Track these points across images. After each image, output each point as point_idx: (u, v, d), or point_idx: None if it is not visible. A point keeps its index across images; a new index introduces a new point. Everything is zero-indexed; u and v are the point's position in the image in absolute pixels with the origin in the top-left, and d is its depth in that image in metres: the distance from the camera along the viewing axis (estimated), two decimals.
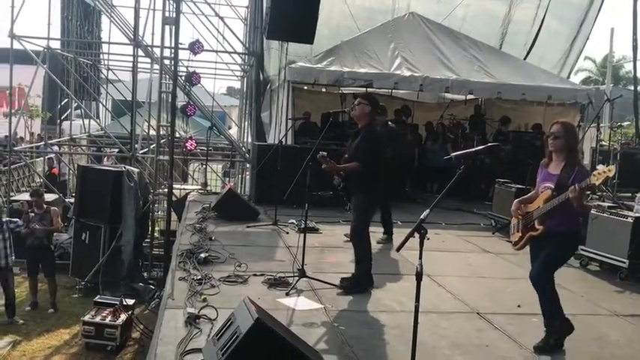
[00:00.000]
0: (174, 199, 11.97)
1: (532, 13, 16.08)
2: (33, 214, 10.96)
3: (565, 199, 4.61)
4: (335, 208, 10.13)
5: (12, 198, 14.11)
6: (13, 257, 10.32)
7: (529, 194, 5.19)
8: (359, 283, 6.32)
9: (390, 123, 9.84)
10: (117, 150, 18.14)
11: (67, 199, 15.25)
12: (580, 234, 5.06)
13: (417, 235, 3.77)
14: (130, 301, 9.67)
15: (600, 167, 4.42)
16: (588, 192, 5.13)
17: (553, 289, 5.00)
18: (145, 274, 12.35)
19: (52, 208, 11.40)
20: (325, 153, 6.29)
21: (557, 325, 4.93)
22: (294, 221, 9.45)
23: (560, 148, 4.89)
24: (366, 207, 6.45)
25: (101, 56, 20.85)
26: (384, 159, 6.57)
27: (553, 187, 4.81)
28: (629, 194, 11.19)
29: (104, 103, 21.33)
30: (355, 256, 6.43)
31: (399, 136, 10.19)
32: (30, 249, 10.90)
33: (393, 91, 14.85)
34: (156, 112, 13.70)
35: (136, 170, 12.35)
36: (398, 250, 3.97)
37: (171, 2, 12.70)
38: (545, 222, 4.84)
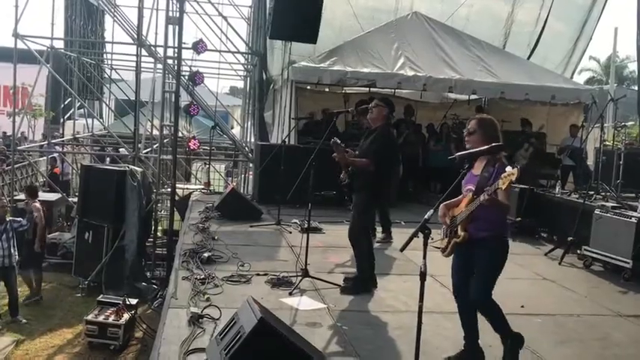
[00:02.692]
0: (177, 198, 11.97)
1: (535, 14, 16.06)
2: (36, 214, 10.98)
3: (479, 203, 4.29)
4: (338, 208, 10.12)
5: (15, 197, 14.12)
6: (17, 256, 10.32)
7: (457, 198, 4.70)
8: (362, 283, 6.32)
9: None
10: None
11: (70, 199, 15.27)
12: (507, 239, 4.56)
13: (420, 235, 3.77)
14: (133, 301, 9.67)
15: (508, 169, 4.16)
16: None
17: (497, 305, 4.55)
18: (148, 274, 12.35)
19: (33, 204, 11.29)
20: (339, 141, 6.28)
21: (516, 336, 4.62)
22: (297, 221, 9.46)
23: (476, 145, 4.55)
24: (368, 207, 6.46)
25: (104, 56, 20.88)
26: (394, 163, 6.57)
27: (474, 189, 4.46)
28: (633, 194, 11.16)
29: (107, 103, 21.35)
30: (355, 255, 6.43)
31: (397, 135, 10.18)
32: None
33: (397, 90, 14.83)
34: (159, 112, 13.72)
35: (139, 170, 12.36)
36: (402, 250, 3.96)
37: (174, 2, 12.71)
38: (467, 227, 4.44)
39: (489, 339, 5.20)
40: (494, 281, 4.53)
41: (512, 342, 4.60)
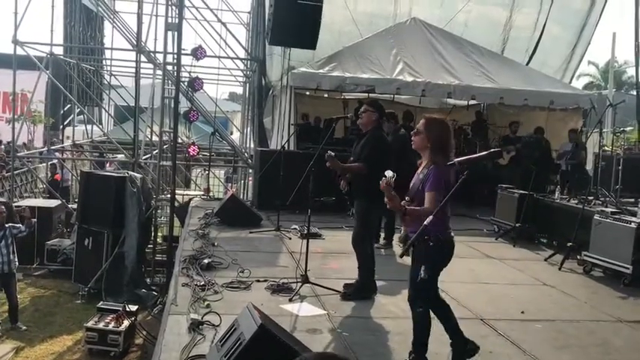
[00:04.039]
0: (176, 204, 11.97)
1: (533, 19, 16.11)
2: (35, 220, 10.96)
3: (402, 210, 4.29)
4: (338, 214, 10.12)
5: (15, 204, 14.11)
6: (17, 263, 10.30)
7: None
8: (362, 289, 6.32)
9: (402, 130, 9.83)
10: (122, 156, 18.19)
11: (69, 205, 15.27)
12: (443, 242, 4.40)
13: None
14: (133, 307, 9.66)
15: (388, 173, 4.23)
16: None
17: (426, 313, 4.49)
18: (148, 280, 12.35)
19: None
20: (333, 153, 6.30)
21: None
22: (296, 227, 9.45)
23: (420, 145, 4.49)
24: (368, 213, 6.44)
25: (104, 62, 20.91)
26: (389, 164, 6.54)
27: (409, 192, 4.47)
28: (632, 200, 11.17)
29: (107, 109, 21.39)
30: (358, 261, 6.44)
31: (408, 142, 10.19)
32: None
33: (395, 96, 14.86)
34: (158, 118, 13.74)
35: (138, 176, 12.37)
36: (402, 256, 3.96)
37: (173, 8, 12.74)
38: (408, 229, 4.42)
39: (490, 345, 5.21)
40: (425, 283, 4.45)
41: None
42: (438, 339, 5.20)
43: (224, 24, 15.76)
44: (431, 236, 4.30)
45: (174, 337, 4.88)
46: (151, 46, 14.27)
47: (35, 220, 11.09)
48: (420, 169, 4.54)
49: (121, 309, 9.38)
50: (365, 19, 15.40)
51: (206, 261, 7.13)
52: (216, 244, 8.29)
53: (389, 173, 4.18)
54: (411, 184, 4.50)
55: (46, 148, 18.68)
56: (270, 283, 6.51)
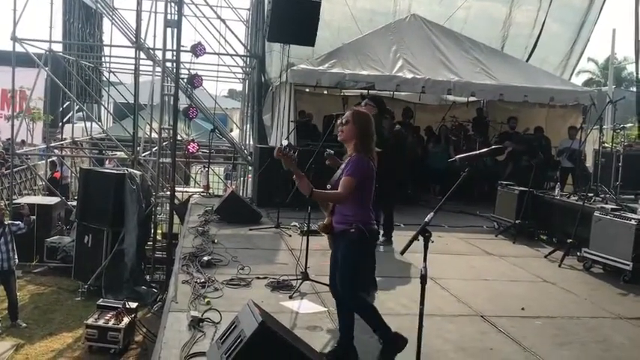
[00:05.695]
0: (176, 202, 11.96)
1: (533, 16, 16.10)
2: (34, 217, 10.94)
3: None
4: None
5: (14, 201, 14.11)
6: (16, 260, 10.30)
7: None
8: None
9: (397, 125, 9.84)
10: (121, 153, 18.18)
11: (69, 202, 15.26)
12: (364, 232, 4.41)
13: (421, 238, 3.75)
14: (133, 305, 9.66)
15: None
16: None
17: (366, 302, 4.55)
18: (148, 277, 12.33)
19: None
20: (332, 152, 6.30)
21: (393, 338, 4.49)
22: (296, 224, 9.45)
23: (347, 136, 4.60)
24: None
25: (103, 59, 20.87)
26: (389, 162, 6.52)
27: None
28: (632, 196, 11.16)
29: (106, 106, 21.35)
30: None
31: (405, 138, 10.22)
32: None
33: (395, 93, 14.85)
34: (158, 115, 13.72)
35: (138, 173, 12.35)
36: (402, 253, 3.95)
37: (173, 5, 12.70)
38: (331, 219, 4.52)
39: (491, 341, 5.21)
40: (355, 275, 4.50)
41: (387, 345, 4.52)
42: (440, 335, 5.21)
43: (223, 21, 15.73)
44: (352, 229, 4.36)
45: (174, 334, 4.87)
46: (150, 43, 14.21)
47: (34, 217, 11.06)
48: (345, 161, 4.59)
49: (120, 306, 9.36)
50: (364, 15, 15.37)
51: (206, 258, 7.13)
52: (216, 241, 8.29)
53: (284, 142, 4.21)
54: (334, 176, 4.54)
55: (45, 146, 18.64)
56: (270, 280, 6.51)
